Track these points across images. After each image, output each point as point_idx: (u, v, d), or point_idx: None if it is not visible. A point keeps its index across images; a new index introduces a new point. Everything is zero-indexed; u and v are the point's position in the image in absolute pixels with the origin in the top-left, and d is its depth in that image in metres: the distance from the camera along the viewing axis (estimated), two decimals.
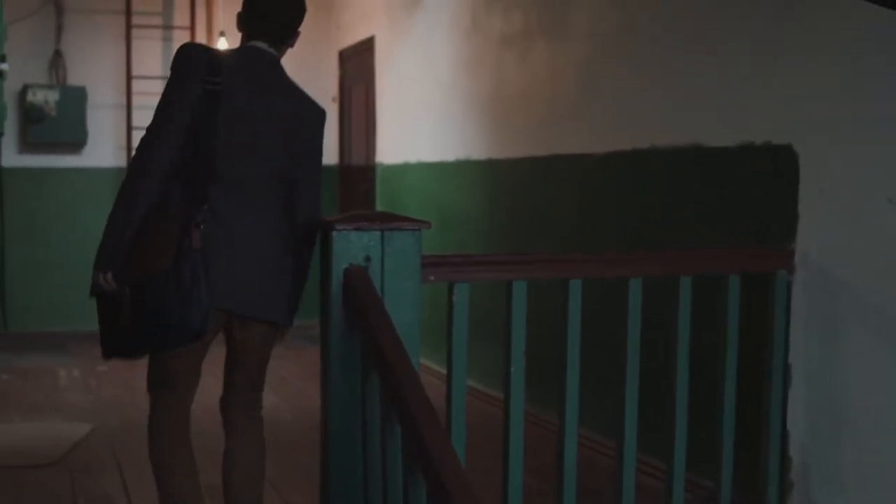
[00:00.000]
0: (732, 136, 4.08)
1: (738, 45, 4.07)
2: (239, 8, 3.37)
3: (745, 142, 4.01)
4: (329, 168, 8.81)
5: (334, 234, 2.76)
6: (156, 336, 3.08)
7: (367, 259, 2.78)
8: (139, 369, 7.32)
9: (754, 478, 3.72)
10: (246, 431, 3.39)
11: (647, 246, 4.60)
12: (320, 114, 3.37)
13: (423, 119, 7.20)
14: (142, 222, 3.10)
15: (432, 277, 2.97)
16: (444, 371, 3.19)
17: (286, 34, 3.31)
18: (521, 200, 5.87)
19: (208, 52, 3.24)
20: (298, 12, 3.34)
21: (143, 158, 3.15)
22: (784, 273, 3.65)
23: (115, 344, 3.15)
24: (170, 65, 3.22)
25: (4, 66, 6.16)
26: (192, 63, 3.14)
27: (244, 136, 3.17)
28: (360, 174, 8.54)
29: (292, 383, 6.79)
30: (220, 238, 3.09)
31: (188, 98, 3.08)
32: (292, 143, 3.25)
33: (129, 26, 8.52)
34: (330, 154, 8.83)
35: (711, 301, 3.57)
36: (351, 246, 2.77)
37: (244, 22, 3.33)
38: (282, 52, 3.34)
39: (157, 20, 8.77)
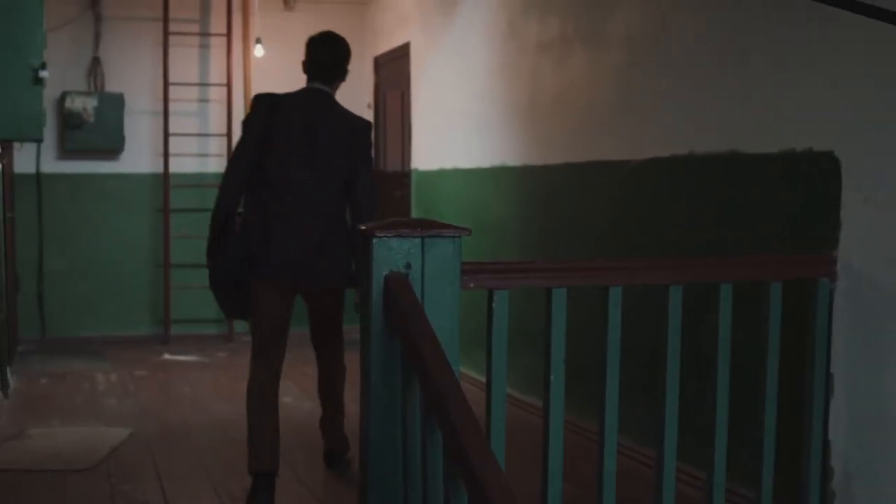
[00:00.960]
0: (773, 143, 4.05)
1: (778, 49, 4.04)
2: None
3: (785, 148, 3.97)
4: None
5: (375, 240, 2.75)
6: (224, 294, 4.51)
7: (408, 266, 2.77)
8: (175, 374, 7.50)
9: (795, 488, 3.68)
10: (326, 362, 4.92)
11: (686, 253, 4.57)
12: (364, 125, 4.62)
13: (459, 125, 7.20)
14: (227, 223, 4.35)
15: (472, 284, 2.96)
16: (482, 379, 3.19)
17: (335, 75, 4.60)
18: (558, 207, 5.85)
19: (270, 98, 4.47)
20: (344, 57, 4.61)
21: (222, 183, 4.47)
22: (826, 281, 3.60)
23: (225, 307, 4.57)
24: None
25: (44, 73, 6.20)
26: (254, 111, 4.47)
27: (293, 155, 4.39)
28: (395, 180, 8.55)
29: None
30: (276, 230, 4.32)
31: (251, 138, 4.40)
32: (340, 150, 4.44)
33: (166, 33, 8.59)
34: None
35: (751, 309, 3.54)
36: (391, 253, 2.76)
37: (305, 69, 4.61)
38: (334, 88, 4.61)
39: (195, 27, 8.83)
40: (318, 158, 4.41)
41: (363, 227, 2.82)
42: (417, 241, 2.78)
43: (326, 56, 4.57)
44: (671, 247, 4.72)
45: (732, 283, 3.42)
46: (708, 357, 3.45)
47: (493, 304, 3.03)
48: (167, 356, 8.06)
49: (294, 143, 4.40)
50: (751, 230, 4.22)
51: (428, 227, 2.80)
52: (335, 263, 4.44)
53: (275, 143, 4.38)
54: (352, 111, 4.63)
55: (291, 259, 4.35)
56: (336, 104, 4.57)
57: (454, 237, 2.81)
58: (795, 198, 3.95)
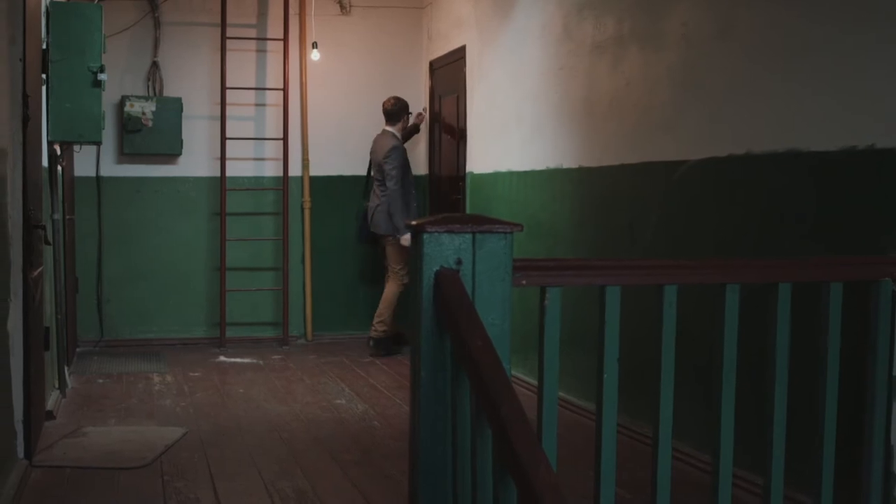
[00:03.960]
0: (833, 141, 3.96)
1: (838, 46, 3.95)
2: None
3: (846, 146, 3.89)
4: (419, 178, 8.83)
5: (425, 236, 2.71)
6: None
7: (459, 262, 2.72)
8: (230, 376, 7.55)
9: (856, 494, 3.58)
10: (391, 284, 8.21)
11: (744, 253, 4.49)
12: (390, 148, 8.05)
13: (514, 128, 7.16)
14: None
15: (524, 281, 2.91)
16: (533, 381, 3.14)
17: (397, 118, 8.28)
18: (613, 208, 5.79)
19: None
20: (400, 108, 8.28)
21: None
22: (889, 281, 3.50)
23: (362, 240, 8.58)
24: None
25: (102, 76, 6.28)
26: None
27: (369, 166, 8.51)
28: (450, 184, 8.53)
29: (382, 392, 6.79)
30: (368, 207, 8.36)
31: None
32: (380, 160, 8.09)
33: (223, 38, 8.65)
34: (419, 164, 8.91)
35: (809, 310, 3.46)
36: (442, 248, 2.72)
37: (384, 116, 8.33)
38: (398, 127, 8.28)
39: (252, 32, 8.89)
40: (374, 166, 8.24)
41: (414, 223, 2.79)
42: (468, 236, 2.73)
43: (389, 108, 8.26)
44: (728, 246, 4.65)
45: (792, 284, 3.34)
46: (765, 359, 3.38)
47: (546, 302, 2.98)
48: (222, 358, 8.10)
49: (372, 160, 8.39)
50: (811, 229, 4.13)
51: (479, 223, 2.76)
52: (387, 221, 8.08)
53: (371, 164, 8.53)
54: (390, 143, 8.14)
55: (373, 220, 8.19)
56: (387, 137, 8.20)
57: (506, 233, 2.77)
58: (857, 196, 3.86)
